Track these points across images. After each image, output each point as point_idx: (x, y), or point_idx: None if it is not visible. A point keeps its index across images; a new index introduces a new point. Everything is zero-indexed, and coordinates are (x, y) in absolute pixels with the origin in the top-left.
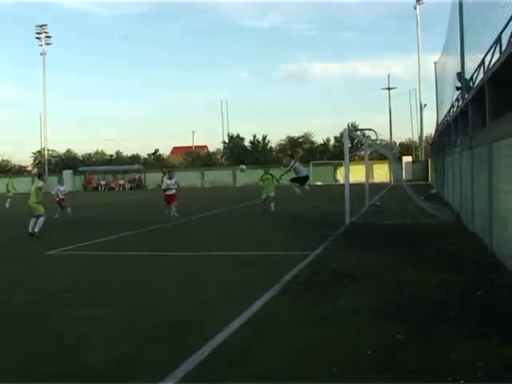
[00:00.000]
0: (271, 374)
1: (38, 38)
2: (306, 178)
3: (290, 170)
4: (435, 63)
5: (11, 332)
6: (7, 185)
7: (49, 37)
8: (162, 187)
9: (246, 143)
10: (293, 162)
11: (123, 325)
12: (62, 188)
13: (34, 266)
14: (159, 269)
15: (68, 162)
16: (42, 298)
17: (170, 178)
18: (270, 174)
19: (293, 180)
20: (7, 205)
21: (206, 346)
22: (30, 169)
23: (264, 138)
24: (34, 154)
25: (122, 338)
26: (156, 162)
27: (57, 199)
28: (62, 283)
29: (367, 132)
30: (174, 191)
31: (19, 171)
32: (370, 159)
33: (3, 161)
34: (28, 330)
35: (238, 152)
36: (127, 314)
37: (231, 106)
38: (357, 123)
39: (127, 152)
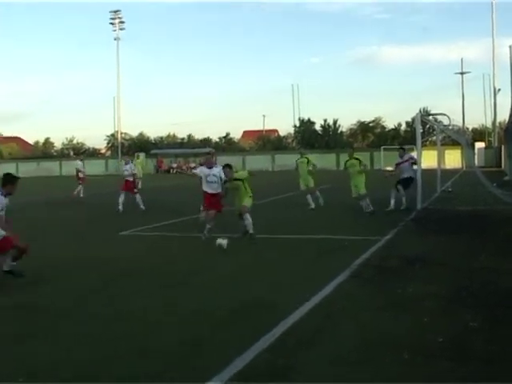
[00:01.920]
0: (341, 357)
1: (111, 24)
2: (411, 180)
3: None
4: (511, 47)
5: (89, 309)
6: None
7: (122, 22)
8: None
9: (317, 127)
10: (407, 156)
11: (197, 305)
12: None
13: (107, 246)
14: (231, 250)
15: (140, 144)
16: (115, 277)
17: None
18: (357, 159)
19: (398, 184)
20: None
21: (277, 328)
22: (103, 152)
23: (335, 123)
24: (108, 137)
25: (196, 318)
26: (227, 145)
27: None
28: (135, 263)
29: (439, 117)
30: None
31: (93, 154)
32: (441, 144)
33: (78, 144)
34: (102, 309)
35: (308, 136)
36: (201, 295)
37: (302, 89)
38: (428, 108)
39: (199, 135)
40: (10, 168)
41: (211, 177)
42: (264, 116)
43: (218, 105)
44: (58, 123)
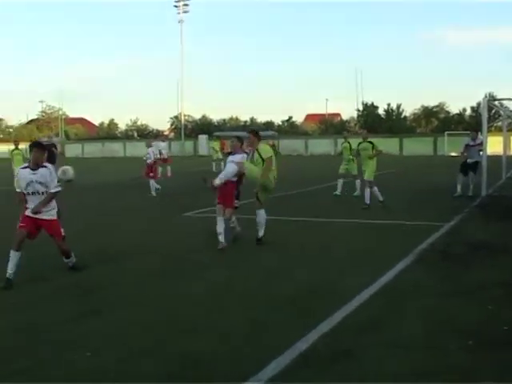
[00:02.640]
0: (403, 343)
1: (176, 6)
2: (477, 164)
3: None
4: None
5: (151, 290)
6: (212, 147)
7: (186, 5)
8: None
9: (380, 111)
10: (479, 140)
11: (258, 287)
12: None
13: (171, 227)
14: (292, 232)
15: (203, 127)
16: (178, 257)
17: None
18: (370, 142)
19: (464, 168)
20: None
21: (338, 312)
22: (166, 133)
23: (398, 107)
24: (171, 118)
25: (255, 300)
26: (290, 128)
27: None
28: (198, 244)
29: (505, 102)
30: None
31: (156, 135)
32: (508, 130)
33: (142, 125)
34: (160, 290)
35: (371, 120)
36: (261, 278)
37: (366, 73)
38: (495, 93)
39: (261, 118)
40: (75, 148)
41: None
42: (327, 99)
43: (281, 88)
44: (123, 105)
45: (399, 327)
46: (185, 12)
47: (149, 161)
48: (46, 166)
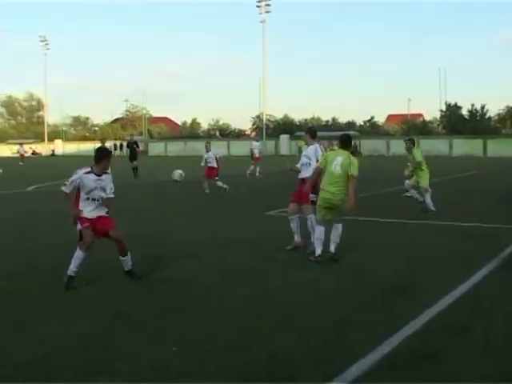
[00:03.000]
0: (489, 347)
1: (258, 6)
2: None
3: None
4: None
5: (235, 287)
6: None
7: (268, 5)
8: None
9: (464, 112)
10: None
11: (341, 286)
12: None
13: (255, 225)
14: (371, 234)
15: (285, 126)
16: (263, 255)
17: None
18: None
19: None
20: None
21: (422, 315)
22: (248, 133)
23: (482, 107)
24: (253, 118)
25: (339, 300)
26: (371, 129)
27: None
28: (282, 243)
29: None
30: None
31: (238, 135)
32: None
33: (224, 124)
34: (245, 287)
35: (454, 121)
36: (345, 279)
37: (450, 73)
38: None
39: (343, 118)
40: (159, 147)
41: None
42: (409, 100)
43: (363, 88)
44: (205, 104)
45: (485, 332)
46: (267, 12)
47: (209, 164)
48: (107, 172)
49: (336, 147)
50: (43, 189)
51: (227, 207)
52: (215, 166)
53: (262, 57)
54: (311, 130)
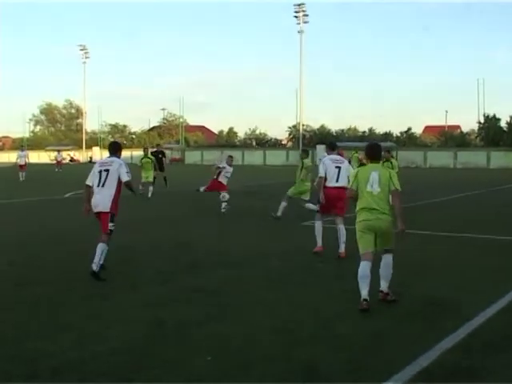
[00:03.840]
0: None
1: (295, 17)
2: None
3: None
4: None
5: (271, 296)
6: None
7: (306, 15)
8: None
9: (503, 124)
10: None
11: (379, 300)
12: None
13: (291, 235)
14: (408, 247)
15: (322, 137)
16: (298, 265)
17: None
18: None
19: None
20: None
21: (462, 329)
22: (284, 143)
23: None
24: (290, 128)
25: (378, 312)
26: (408, 140)
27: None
28: (324, 256)
29: None
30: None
31: (275, 144)
32: None
33: (260, 134)
34: (282, 296)
35: (493, 133)
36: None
37: (488, 84)
38: None
39: (380, 129)
40: (195, 155)
41: None
42: (447, 111)
43: (400, 99)
44: (242, 114)
45: None
46: (305, 22)
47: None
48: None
49: (365, 160)
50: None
51: (261, 215)
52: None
53: (299, 66)
54: (329, 144)
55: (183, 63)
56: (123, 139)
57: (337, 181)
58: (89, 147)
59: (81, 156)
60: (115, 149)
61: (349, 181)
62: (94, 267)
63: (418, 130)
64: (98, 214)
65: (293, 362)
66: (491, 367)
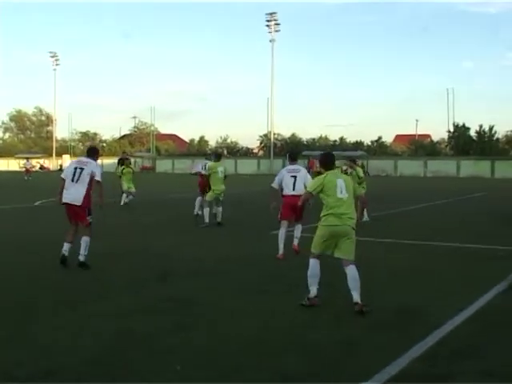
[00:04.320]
0: (496, 371)
1: (267, 26)
2: None
3: None
4: None
5: (244, 305)
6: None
7: (278, 24)
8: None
9: (472, 133)
10: None
11: (348, 307)
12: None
13: (262, 244)
14: (383, 256)
15: (293, 145)
16: (271, 274)
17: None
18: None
19: None
20: None
21: (430, 337)
22: (255, 151)
23: (491, 129)
24: (261, 137)
25: (348, 320)
26: (379, 148)
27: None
28: (289, 262)
29: None
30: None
31: (246, 153)
32: None
33: (231, 143)
34: (254, 305)
35: (463, 142)
36: (351, 298)
37: (457, 94)
38: None
39: (350, 138)
40: (166, 164)
41: None
42: (417, 120)
43: (370, 108)
44: (213, 122)
45: (493, 355)
46: (276, 31)
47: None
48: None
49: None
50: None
51: (231, 224)
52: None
53: (271, 75)
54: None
55: (154, 72)
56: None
57: (293, 189)
58: (59, 155)
59: (51, 164)
60: (93, 152)
61: (305, 187)
62: (82, 258)
63: (388, 138)
64: (70, 206)
65: (265, 371)
66: (459, 375)
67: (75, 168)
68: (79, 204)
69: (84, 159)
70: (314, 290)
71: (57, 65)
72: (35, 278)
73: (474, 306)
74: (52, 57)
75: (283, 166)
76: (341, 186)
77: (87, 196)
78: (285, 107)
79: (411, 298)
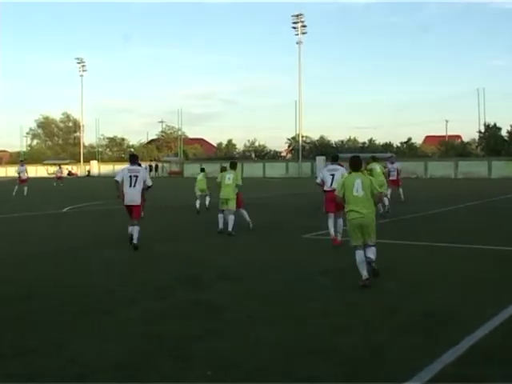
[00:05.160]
0: None
1: (294, 28)
2: None
3: None
4: None
5: (272, 310)
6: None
7: (304, 26)
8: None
9: (503, 133)
10: None
11: (378, 312)
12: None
13: (292, 248)
14: (412, 259)
15: (321, 148)
16: (299, 278)
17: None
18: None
19: None
20: None
21: (463, 342)
22: (283, 154)
23: None
24: (289, 139)
25: (379, 325)
26: (408, 150)
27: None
28: (317, 266)
29: None
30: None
31: (274, 156)
32: None
33: (259, 146)
34: (282, 311)
35: (494, 142)
36: (381, 303)
37: (489, 94)
38: None
39: (380, 140)
40: (194, 168)
41: None
42: (447, 121)
43: (400, 109)
44: (240, 126)
45: None
46: (303, 33)
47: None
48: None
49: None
50: (79, 209)
51: (263, 228)
52: None
53: (298, 77)
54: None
55: (181, 75)
56: (121, 152)
57: (330, 185)
58: (86, 161)
59: (79, 170)
60: (136, 158)
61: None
62: (136, 241)
63: (418, 140)
64: (131, 206)
65: (293, 377)
66: (493, 379)
67: (130, 176)
68: (138, 204)
69: (134, 167)
70: (364, 273)
71: (83, 71)
72: (61, 284)
73: (509, 310)
74: (79, 63)
75: (312, 168)
76: (357, 185)
77: (142, 197)
78: (313, 109)
79: (443, 302)
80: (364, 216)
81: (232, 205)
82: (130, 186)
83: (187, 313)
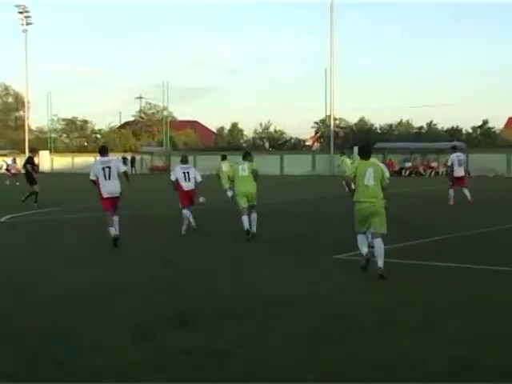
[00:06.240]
0: None
1: None
2: None
3: None
4: None
5: (298, 356)
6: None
7: None
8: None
9: None
10: None
11: (402, 351)
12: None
13: (321, 274)
14: (471, 289)
15: (361, 134)
16: (329, 314)
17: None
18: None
19: None
20: None
21: None
22: (309, 143)
23: None
24: (316, 124)
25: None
26: (484, 137)
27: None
28: (356, 298)
29: None
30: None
31: (296, 146)
32: None
33: (276, 132)
34: (309, 359)
35: None
36: (406, 340)
37: None
38: None
39: (443, 123)
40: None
41: None
42: None
43: (470, 82)
44: (249, 104)
45: None
46: None
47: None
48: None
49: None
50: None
51: (283, 243)
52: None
53: (330, 42)
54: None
55: (168, 34)
56: (84, 140)
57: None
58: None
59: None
60: (106, 150)
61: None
62: (118, 232)
63: (498, 124)
64: (111, 198)
65: None
66: None
67: (103, 168)
68: (119, 195)
69: (105, 159)
70: (364, 250)
71: (27, 24)
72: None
73: None
74: (20, 12)
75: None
76: (369, 174)
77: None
78: (350, 82)
79: (476, 341)
80: (375, 204)
81: (253, 199)
82: (105, 178)
83: (175, 361)
